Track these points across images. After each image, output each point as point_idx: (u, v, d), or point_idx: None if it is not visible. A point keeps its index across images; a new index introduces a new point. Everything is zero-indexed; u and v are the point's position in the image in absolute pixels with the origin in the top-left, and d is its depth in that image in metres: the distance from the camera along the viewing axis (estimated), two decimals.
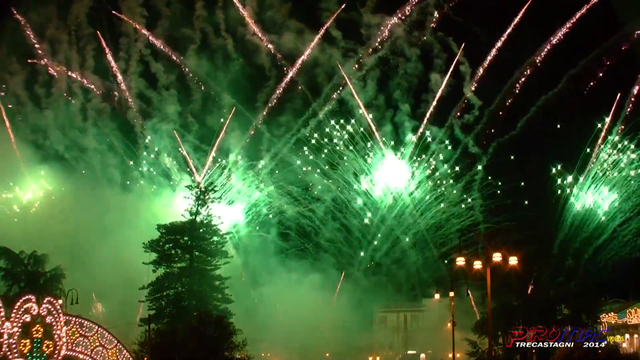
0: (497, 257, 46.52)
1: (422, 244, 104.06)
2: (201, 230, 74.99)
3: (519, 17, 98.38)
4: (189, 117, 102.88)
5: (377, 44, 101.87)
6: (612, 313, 72.78)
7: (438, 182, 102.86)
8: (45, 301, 40.79)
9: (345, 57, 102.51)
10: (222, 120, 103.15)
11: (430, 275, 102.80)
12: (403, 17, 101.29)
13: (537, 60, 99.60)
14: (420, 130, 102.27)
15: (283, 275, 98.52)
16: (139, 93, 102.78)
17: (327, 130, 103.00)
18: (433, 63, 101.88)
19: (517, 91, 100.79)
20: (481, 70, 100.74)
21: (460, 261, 51.14)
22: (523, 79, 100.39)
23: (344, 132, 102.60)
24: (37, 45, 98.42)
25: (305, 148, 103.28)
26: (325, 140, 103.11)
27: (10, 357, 38.40)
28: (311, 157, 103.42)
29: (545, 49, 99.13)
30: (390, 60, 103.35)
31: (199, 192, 76.41)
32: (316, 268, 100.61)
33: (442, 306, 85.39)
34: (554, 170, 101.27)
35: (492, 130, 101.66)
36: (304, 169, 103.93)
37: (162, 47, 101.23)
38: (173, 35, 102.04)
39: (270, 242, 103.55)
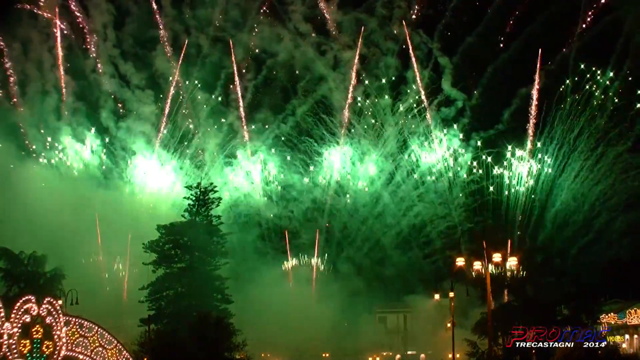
0: (497, 257, 46.77)
1: (404, 245, 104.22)
2: (201, 230, 75.00)
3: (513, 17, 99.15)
4: (163, 116, 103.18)
5: (349, 38, 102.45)
6: (612, 313, 72.76)
7: (420, 179, 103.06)
8: (45, 302, 40.73)
9: (321, 53, 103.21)
10: (197, 119, 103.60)
11: (418, 275, 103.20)
12: (372, 12, 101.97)
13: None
14: (401, 125, 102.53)
15: (265, 274, 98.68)
16: (111, 93, 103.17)
17: (306, 127, 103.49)
18: (411, 56, 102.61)
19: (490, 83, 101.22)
20: (458, 61, 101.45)
21: (460, 261, 51.42)
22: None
23: (323, 129, 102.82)
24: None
25: (284, 145, 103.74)
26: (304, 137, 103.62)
27: (10, 357, 38.37)
28: (288, 157, 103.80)
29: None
30: (367, 55, 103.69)
31: (198, 193, 76.42)
32: (301, 267, 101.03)
33: (441, 306, 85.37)
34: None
35: (474, 123, 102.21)
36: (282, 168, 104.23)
37: (131, 46, 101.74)
38: (142, 35, 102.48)
39: (250, 243, 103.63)
